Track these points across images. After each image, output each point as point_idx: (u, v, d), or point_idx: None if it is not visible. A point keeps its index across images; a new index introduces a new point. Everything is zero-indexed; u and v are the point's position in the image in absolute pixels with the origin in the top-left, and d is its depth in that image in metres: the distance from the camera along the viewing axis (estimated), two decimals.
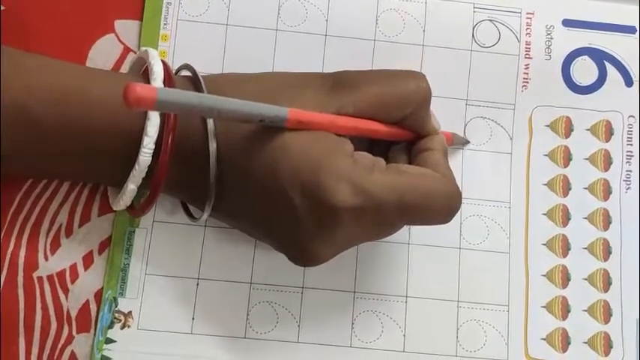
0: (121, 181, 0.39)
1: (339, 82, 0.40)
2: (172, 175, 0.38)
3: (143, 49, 0.41)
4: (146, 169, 0.38)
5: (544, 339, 0.45)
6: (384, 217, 0.38)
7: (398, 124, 0.41)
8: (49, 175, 0.43)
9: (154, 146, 0.37)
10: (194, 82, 0.40)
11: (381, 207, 0.37)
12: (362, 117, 0.39)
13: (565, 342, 0.45)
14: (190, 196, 0.42)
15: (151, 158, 0.37)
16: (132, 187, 0.39)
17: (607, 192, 0.47)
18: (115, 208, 0.41)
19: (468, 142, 0.47)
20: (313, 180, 0.36)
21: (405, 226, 0.45)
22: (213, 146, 0.38)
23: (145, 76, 0.40)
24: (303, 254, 0.39)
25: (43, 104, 0.37)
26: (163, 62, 0.39)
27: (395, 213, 0.38)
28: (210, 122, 0.38)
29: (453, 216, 0.39)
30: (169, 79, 0.39)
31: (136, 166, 0.38)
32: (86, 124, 0.37)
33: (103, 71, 0.42)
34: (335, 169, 0.36)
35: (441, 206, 0.39)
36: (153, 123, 0.37)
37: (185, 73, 0.42)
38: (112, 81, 0.39)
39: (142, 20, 0.46)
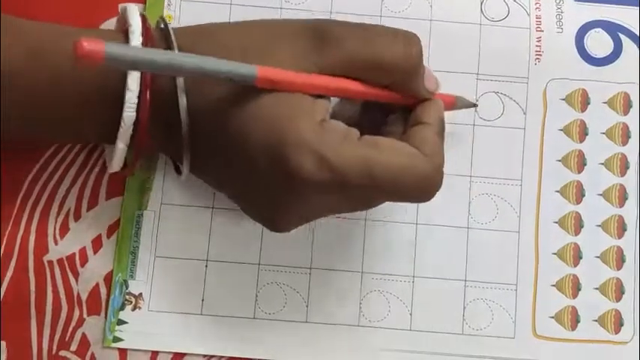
0: (111, 138, 0.41)
1: (322, 36, 0.39)
2: (155, 132, 0.40)
3: (123, 5, 0.42)
4: (132, 126, 0.40)
5: (553, 317, 0.47)
6: (353, 192, 0.38)
7: (386, 87, 0.41)
8: (40, 137, 0.45)
9: (136, 100, 0.39)
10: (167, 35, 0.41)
11: (347, 182, 0.37)
12: (346, 77, 0.40)
13: (574, 320, 0.47)
14: (173, 153, 0.43)
15: (135, 114, 0.39)
16: (121, 145, 0.41)
17: (624, 167, 0.49)
18: (110, 171, 0.43)
19: (475, 105, 0.48)
20: (278, 150, 0.37)
21: (412, 206, 0.47)
22: (182, 101, 0.39)
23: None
24: (269, 220, 0.41)
25: (20, 61, 0.39)
26: (142, 17, 0.41)
27: (364, 189, 0.38)
28: (179, 79, 0.39)
29: (430, 197, 0.40)
30: (147, 34, 0.40)
31: (122, 124, 0.39)
32: (65, 82, 0.39)
33: (81, 29, 0.43)
34: (301, 140, 0.37)
35: (413, 187, 0.38)
36: (134, 77, 0.38)
37: None
38: (90, 37, 0.40)
39: (145, 3, 0.48)
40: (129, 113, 0.39)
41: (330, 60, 0.39)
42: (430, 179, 0.39)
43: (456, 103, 0.46)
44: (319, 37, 0.39)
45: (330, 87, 0.39)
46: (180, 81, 0.39)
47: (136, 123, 0.39)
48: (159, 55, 0.34)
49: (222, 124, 0.38)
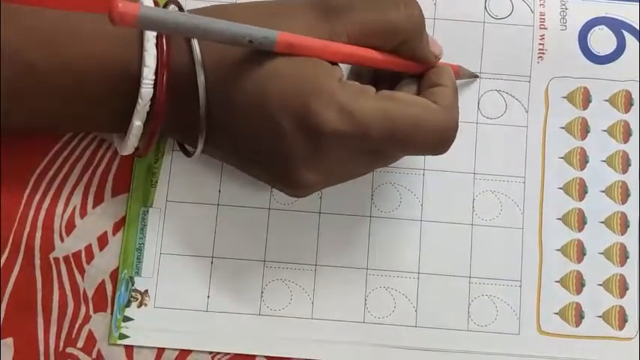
0: (125, 124, 0.42)
1: (331, 8, 0.41)
2: (168, 111, 0.41)
3: None
4: (149, 103, 0.40)
5: (557, 313, 0.48)
6: (373, 143, 0.40)
7: (394, 52, 0.43)
8: (53, 124, 0.45)
9: (154, 77, 0.40)
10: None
11: (369, 132, 0.39)
12: (356, 45, 0.41)
13: (579, 316, 0.47)
14: (185, 132, 0.44)
15: (152, 90, 0.40)
16: (137, 123, 0.41)
17: (626, 164, 0.49)
18: (122, 153, 0.44)
19: (477, 76, 0.49)
20: (300, 103, 0.38)
21: (417, 203, 0.47)
22: (201, 77, 0.40)
23: None
24: (291, 181, 0.41)
25: (36, 47, 0.40)
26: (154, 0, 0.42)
27: (383, 140, 0.39)
28: (196, 53, 0.40)
29: (446, 149, 0.41)
30: None
31: (139, 101, 0.40)
32: (80, 64, 0.40)
33: (91, 13, 0.43)
34: (323, 93, 0.38)
35: (430, 137, 0.40)
36: (150, 53, 0.39)
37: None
38: (100, 20, 0.41)
39: None
40: (146, 89, 0.40)
41: (340, 29, 0.41)
42: (446, 129, 0.41)
43: (459, 72, 0.48)
44: (326, 9, 0.41)
45: (345, 52, 0.41)
46: (197, 57, 0.40)
47: (153, 99, 0.40)
48: (191, 18, 0.36)
49: (241, 91, 0.39)
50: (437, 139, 0.41)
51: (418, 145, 0.41)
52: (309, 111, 0.38)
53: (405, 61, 0.43)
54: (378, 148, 0.41)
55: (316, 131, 0.38)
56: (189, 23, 0.35)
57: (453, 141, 0.41)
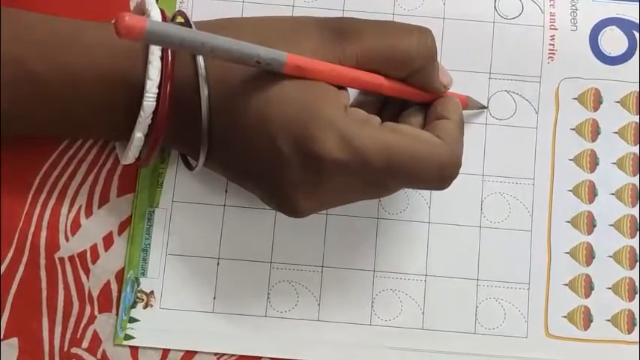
0: (126, 134, 0.42)
1: (342, 31, 0.40)
2: (170, 124, 0.41)
3: None
4: (151, 116, 0.40)
5: (565, 317, 0.47)
6: (372, 175, 0.39)
7: (403, 80, 0.42)
8: (55, 132, 0.45)
9: (157, 90, 0.39)
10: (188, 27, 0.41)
11: (367, 162, 0.38)
12: (365, 70, 0.41)
13: (587, 319, 0.47)
14: (186, 145, 0.44)
15: (154, 104, 0.40)
16: (139, 135, 0.41)
17: (636, 167, 0.49)
18: (123, 162, 0.44)
19: (485, 107, 0.49)
20: (301, 128, 0.38)
21: (425, 205, 0.47)
22: (204, 92, 0.39)
23: None
24: (286, 204, 0.41)
25: (38, 56, 0.40)
26: (161, 10, 0.42)
27: (382, 171, 0.39)
28: (201, 68, 0.40)
29: (447, 184, 0.41)
30: None
31: (141, 113, 0.40)
32: (82, 74, 0.40)
33: (95, 22, 0.43)
34: (324, 119, 0.38)
35: (431, 172, 0.40)
36: (154, 66, 0.39)
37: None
38: (104, 29, 0.41)
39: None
40: (149, 102, 0.39)
41: (350, 53, 0.40)
42: (447, 166, 0.40)
43: (467, 103, 0.47)
44: (339, 31, 0.40)
45: (353, 77, 0.40)
46: (202, 72, 0.39)
47: (155, 112, 0.40)
48: (199, 35, 0.35)
49: (244, 110, 0.39)
50: (437, 174, 0.40)
51: (417, 180, 0.40)
52: (308, 137, 0.38)
53: (413, 90, 0.43)
54: (377, 179, 0.40)
55: (314, 157, 0.38)
56: (196, 40, 0.35)
57: (454, 177, 0.41)
